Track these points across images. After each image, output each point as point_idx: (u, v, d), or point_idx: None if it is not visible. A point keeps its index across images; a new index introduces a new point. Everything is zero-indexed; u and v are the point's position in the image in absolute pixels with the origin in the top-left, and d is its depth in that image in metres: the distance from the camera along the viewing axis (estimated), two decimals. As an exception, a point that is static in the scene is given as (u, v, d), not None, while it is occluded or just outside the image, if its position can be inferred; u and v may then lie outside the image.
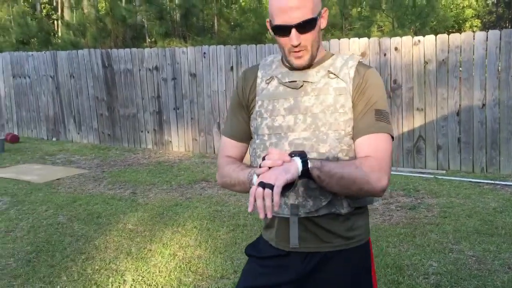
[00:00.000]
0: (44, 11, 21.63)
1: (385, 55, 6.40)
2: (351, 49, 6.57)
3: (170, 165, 7.01)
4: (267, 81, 1.51)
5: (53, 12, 23.14)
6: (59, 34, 15.77)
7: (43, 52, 9.64)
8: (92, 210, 4.90)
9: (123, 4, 11.95)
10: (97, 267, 3.53)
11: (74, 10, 13.10)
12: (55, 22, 22.16)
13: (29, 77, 9.68)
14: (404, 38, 6.37)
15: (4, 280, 3.34)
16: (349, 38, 6.78)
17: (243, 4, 12.76)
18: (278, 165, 1.25)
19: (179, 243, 3.95)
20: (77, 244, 3.98)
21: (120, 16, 10.78)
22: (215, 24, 11.91)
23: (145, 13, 11.05)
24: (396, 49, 6.33)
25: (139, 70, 8.34)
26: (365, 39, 6.62)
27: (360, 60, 1.49)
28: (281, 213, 1.45)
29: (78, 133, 9.23)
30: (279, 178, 1.21)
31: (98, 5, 13.49)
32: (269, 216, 1.20)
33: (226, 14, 11.63)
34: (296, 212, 1.42)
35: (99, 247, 3.91)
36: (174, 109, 8.11)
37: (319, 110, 1.42)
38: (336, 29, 10.28)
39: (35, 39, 11.91)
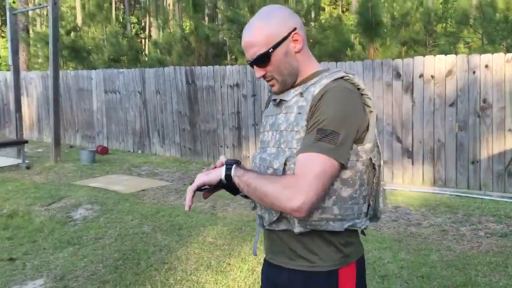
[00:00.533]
0: (133, 30, 23.01)
1: (474, 72, 6.10)
2: (436, 67, 6.34)
3: (248, 180, 7.10)
4: (270, 100, 1.62)
5: (141, 31, 24.55)
6: (147, 52, 16.68)
7: (133, 69, 10.23)
8: (174, 221, 5.08)
9: (207, 23, 12.42)
10: (179, 278, 3.64)
11: (161, 30, 13.80)
12: (143, 41, 23.49)
13: (119, 92, 10.30)
14: (496, 55, 6.03)
15: (95, 286, 3.54)
16: (435, 55, 6.54)
17: (323, 21, 12.77)
18: (211, 169, 1.48)
19: (257, 258, 3.98)
20: (160, 254, 4.13)
21: (204, 34, 11.20)
22: (295, 42, 11.99)
23: (227, 32, 11.39)
24: (486, 66, 6.01)
25: (221, 86, 8.60)
26: (452, 56, 6.35)
27: (342, 76, 1.41)
28: (258, 223, 1.57)
29: (162, 147, 9.65)
30: (197, 179, 1.45)
31: (183, 24, 14.12)
32: (186, 208, 1.46)
33: (306, 32, 11.72)
34: (261, 223, 1.52)
35: (180, 258, 4.04)
36: (253, 125, 8.25)
37: (283, 128, 1.46)
38: (419, 46, 9.97)
39: (125, 57, 12.68)
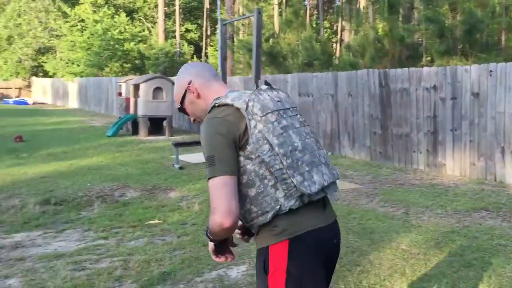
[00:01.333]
0: (326, 35, 23.54)
1: None
2: None
3: (444, 189, 6.67)
4: None
5: (333, 36, 25.00)
6: (337, 55, 16.92)
7: (326, 73, 10.49)
8: (366, 225, 5.05)
9: (401, 24, 12.00)
10: (372, 282, 3.62)
11: (354, 33, 13.84)
12: (334, 45, 23.88)
13: (312, 95, 10.67)
14: None
15: (291, 277, 3.74)
16: None
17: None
18: None
19: (457, 273, 3.72)
20: (352, 256, 4.16)
21: (399, 36, 10.85)
22: (502, 39, 10.83)
23: (424, 32, 10.85)
24: None
25: (416, 89, 8.25)
26: None
27: (214, 105, 1.77)
28: None
29: (351, 149, 9.68)
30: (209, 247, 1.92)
31: (376, 26, 13.92)
32: (229, 260, 1.91)
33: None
34: None
35: (373, 262, 4.01)
36: (451, 130, 7.72)
37: None
38: None
39: (317, 61, 13.05)
